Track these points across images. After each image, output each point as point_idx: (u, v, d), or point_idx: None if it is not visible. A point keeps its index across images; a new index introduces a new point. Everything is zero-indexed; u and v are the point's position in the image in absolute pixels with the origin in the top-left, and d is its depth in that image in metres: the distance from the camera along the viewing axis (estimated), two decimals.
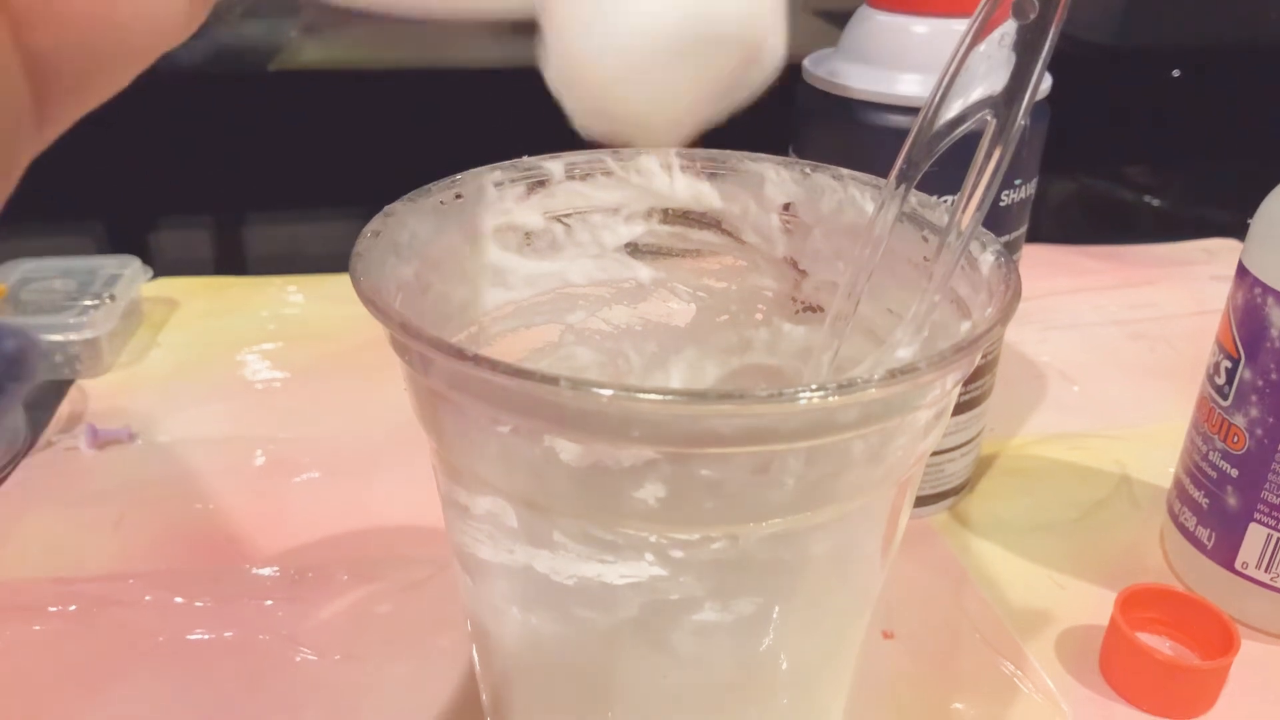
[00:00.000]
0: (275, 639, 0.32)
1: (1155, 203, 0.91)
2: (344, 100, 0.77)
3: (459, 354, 0.17)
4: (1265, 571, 0.32)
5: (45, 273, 0.50)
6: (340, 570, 0.35)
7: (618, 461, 0.18)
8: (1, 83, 0.15)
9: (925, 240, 0.23)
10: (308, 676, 0.31)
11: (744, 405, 0.17)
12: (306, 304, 0.54)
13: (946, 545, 0.37)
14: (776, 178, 0.26)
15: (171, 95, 0.71)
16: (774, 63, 0.16)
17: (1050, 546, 0.37)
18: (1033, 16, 0.19)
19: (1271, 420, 0.31)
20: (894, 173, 0.22)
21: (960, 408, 0.37)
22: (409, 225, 0.23)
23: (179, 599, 0.34)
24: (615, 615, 0.20)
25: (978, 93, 0.20)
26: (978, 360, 0.24)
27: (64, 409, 0.44)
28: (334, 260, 0.50)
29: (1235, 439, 0.32)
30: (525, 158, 0.25)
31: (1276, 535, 0.32)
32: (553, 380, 0.16)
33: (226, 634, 0.32)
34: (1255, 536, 0.32)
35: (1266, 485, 0.31)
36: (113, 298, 0.48)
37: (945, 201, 0.23)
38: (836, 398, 0.16)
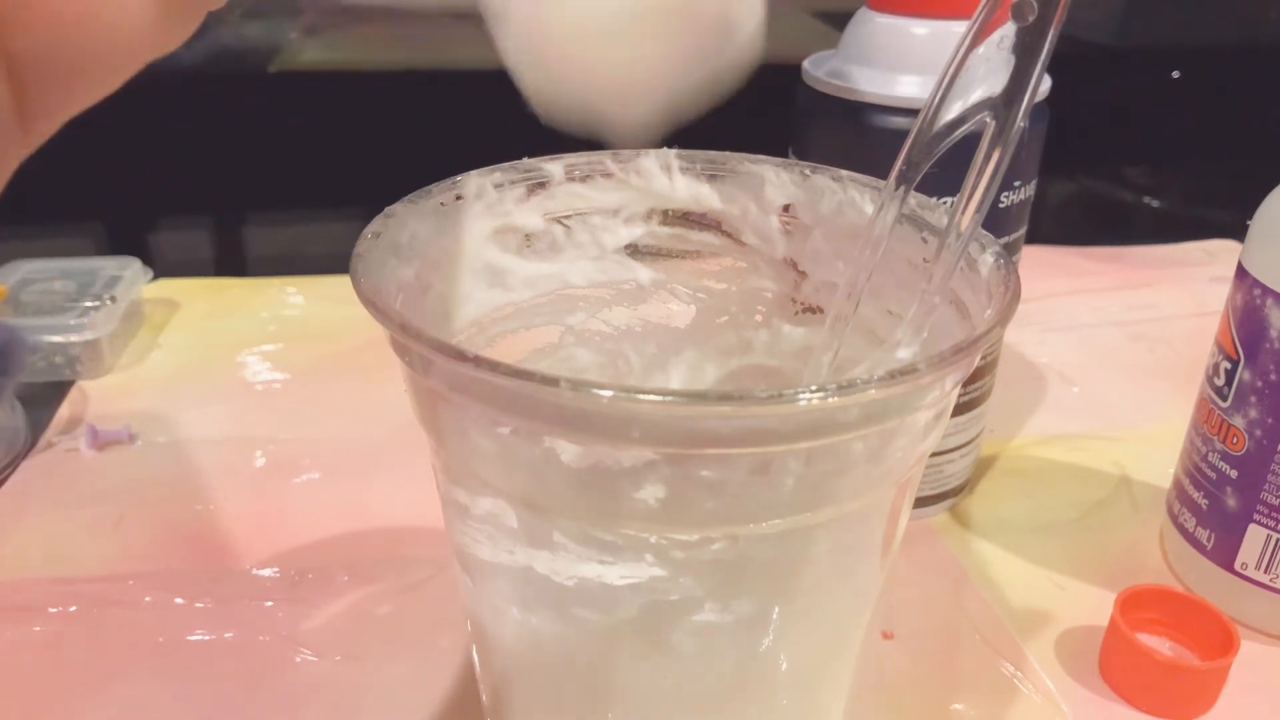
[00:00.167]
0: (275, 639, 0.32)
1: (1155, 203, 0.91)
2: (344, 100, 0.77)
3: (459, 355, 0.17)
4: (1265, 572, 0.32)
5: (46, 274, 0.50)
6: (340, 571, 0.35)
7: (618, 462, 0.18)
8: None
9: (925, 242, 0.23)
10: (308, 677, 0.31)
11: (744, 406, 0.17)
12: (307, 305, 0.54)
13: (946, 546, 0.37)
14: (776, 179, 0.26)
15: (171, 95, 0.71)
16: (749, 39, 0.16)
17: (1050, 547, 0.37)
18: (1032, 19, 0.19)
19: (1271, 421, 0.31)
20: (893, 174, 0.22)
21: (960, 409, 0.37)
22: (409, 226, 0.23)
23: (179, 599, 0.34)
24: (615, 616, 0.20)
25: (977, 94, 0.20)
26: (977, 361, 0.24)
27: (64, 410, 0.44)
28: (334, 261, 0.50)
29: (1235, 440, 0.32)
30: (525, 159, 0.25)
31: (1276, 536, 0.32)
32: (553, 381, 0.16)
33: (226, 635, 0.32)
34: (1255, 537, 0.32)
35: (1266, 486, 0.31)
36: (113, 299, 0.48)
37: (945, 203, 0.23)
38: (836, 398, 0.17)
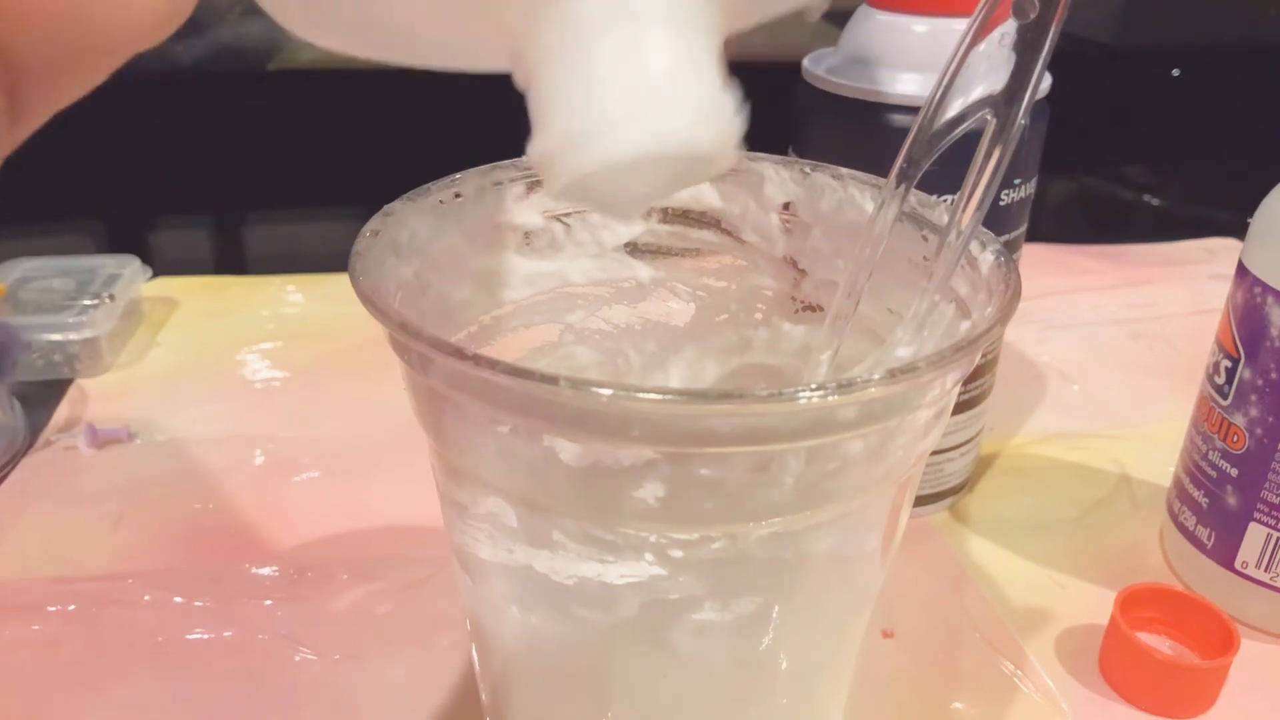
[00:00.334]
0: (275, 639, 0.32)
1: (1155, 202, 0.91)
2: (344, 100, 0.77)
3: (458, 353, 0.17)
4: (1265, 571, 0.32)
5: (44, 272, 0.50)
6: (340, 570, 0.35)
7: (617, 461, 0.18)
8: None
9: (925, 239, 0.23)
10: (308, 676, 0.31)
11: (743, 405, 0.17)
12: (306, 303, 0.54)
13: (946, 544, 0.37)
14: (776, 177, 0.26)
15: (171, 94, 0.71)
16: (731, 163, 0.18)
17: (1050, 546, 0.37)
18: (1033, 16, 0.19)
19: (1271, 420, 0.31)
20: (894, 172, 0.22)
21: (960, 407, 0.37)
22: (408, 225, 0.23)
23: (178, 599, 0.34)
24: (615, 615, 0.20)
25: (978, 92, 0.20)
26: (977, 359, 0.24)
27: (63, 409, 0.44)
28: (333, 260, 0.50)
29: (1235, 438, 0.32)
30: (525, 157, 0.25)
31: (1276, 535, 0.32)
32: (552, 380, 0.16)
33: (226, 634, 0.32)
34: (1255, 536, 0.32)
35: (1266, 485, 0.31)
36: (112, 297, 0.48)
37: (945, 201, 0.23)
38: (836, 397, 0.16)
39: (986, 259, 0.22)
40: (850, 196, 0.25)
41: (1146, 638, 0.32)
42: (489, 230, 0.25)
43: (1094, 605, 0.34)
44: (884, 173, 0.22)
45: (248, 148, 0.76)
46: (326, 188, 0.80)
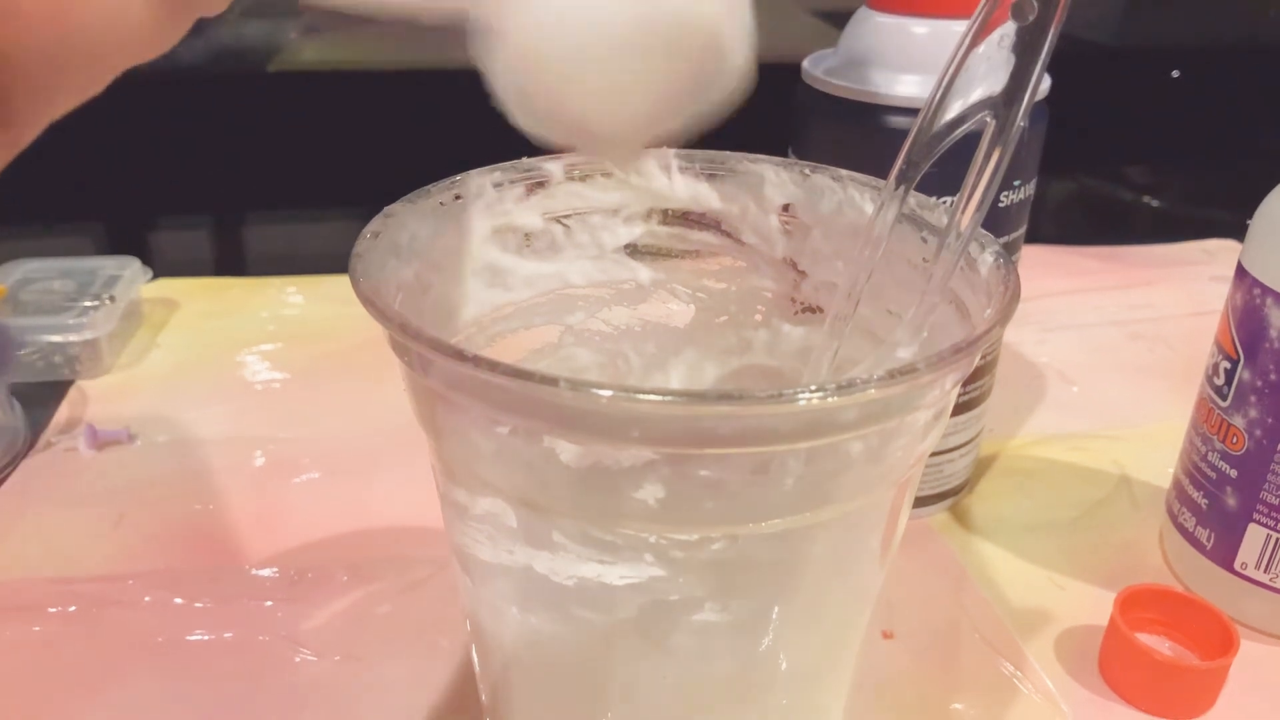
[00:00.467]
0: (275, 639, 0.32)
1: (1154, 203, 0.91)
2: (344, 100, 0.77)
3: (458, 355, 0.17)
4: (1264, 572, 0.32)
5: (45, 273, 0.50)
6: (340, 570, 0.35)
7: (617, 462, 0.18)
8: None
9: (925, 241, 0.23)
10: (307, 676, 0.31)
11: (743, 406, 0.17)
12: (306, 305, 0.54)
13: (946, 545, 0.37)
14: (776, 178, 0.26)
15: (171, 95, 0.71)
16: (738, 69, 0.16)
17: (1050, 547, 0.37)
18: (1032, 18, 0.19)
19: (1270, 421, 0.31)
20: (893, 173, 0.22)
21: (959, 408, 0.37)
22: (409, 226, 0.23)
23: (178, 599, 0.34)
24: (615, 615, 0.20)
25: (977, 94, 0.20)
26: (977, 361, 0.24)
27: (63, 410, 0.44)
28: (333, 261, 0.49)
29: (1234, 439, 0.32)
30: (525, 158, 0.25)
31: (1275, 536, 0.32)
32: (552, 381, 0.16)
33: (226, 634, 0.32)
34: (1254, 537, 0.32)
35: (1265, 486, 0.31)
36: (112, 299, 0.48)
37: (944, 202, 0.23)
38: (836, 398, 0.16)
39: (986, 260, 0.22)
40: (850, 198, 0.25)
41: (1146, 638, 0.32)
42: (489, 232, 0.25)
43: (1093, 606, 0.34)
44: (883, 174, 0.22)
45: (248, 148, 0.76)
46: (326, 188, 0.80)
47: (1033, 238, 0.40)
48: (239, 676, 0.31)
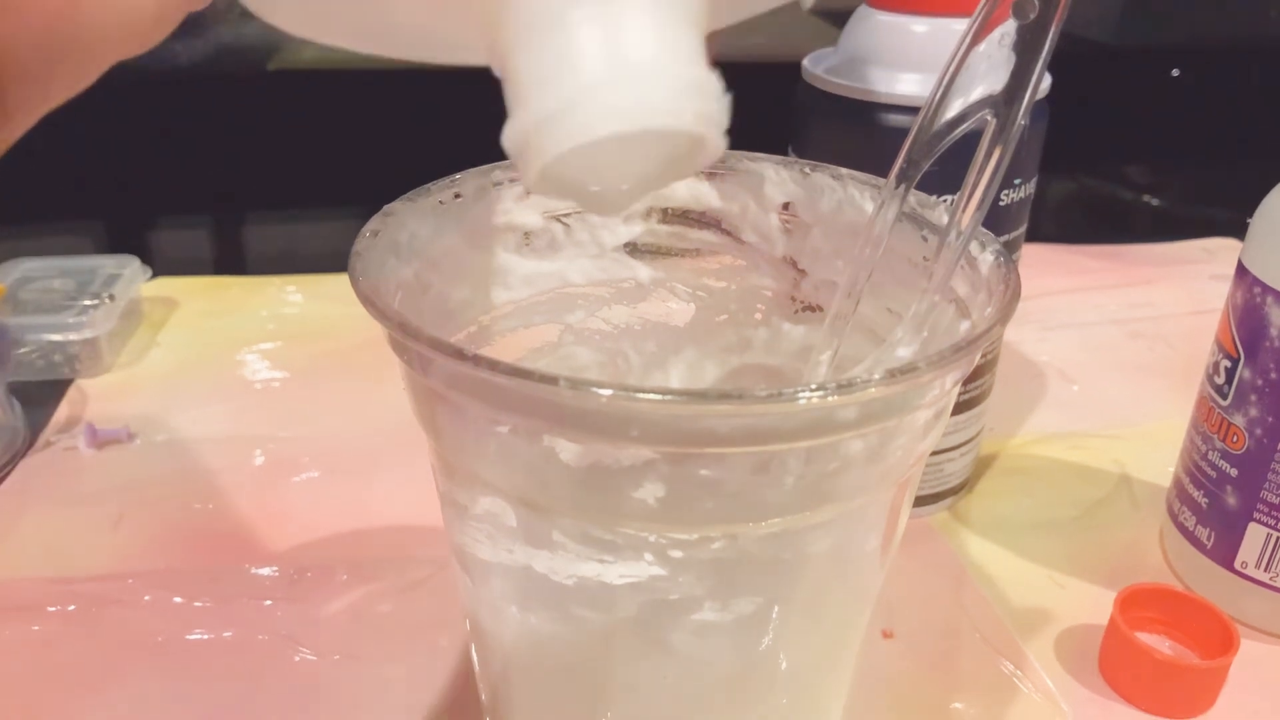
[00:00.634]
0: (275, 639, 0.32)
1: (1154, 202, 0.91)
2: (344, 100, 0.77)
3: (458, 354, 0.17)
4: (1265, 571, 0.32)
5: (44, 272, 0.50)
6: (340, 570, 0.35)
7: (617, 461, 0.18)
8: None
9: (925, 240, 0.23)
10: (308, 676, 0.31)
11: (743, 405, 0.17)
12: (306, 304, 0.54)
13: (946, 544, 0.37)
14: (776, 177, 0.26)
15: (170, 94, 0.71)
16: (718, 151, 0.17)
17: (1050, 546, 0.37)
18: (1033, 16, 0.19)
19: (1271, 420, 0.31)
20: (894, 172, 0.22)
21: (960, 407, 0.37)
22: (408, 225, 0.23)
23: (178, 599, 0.34)
24: (614, 615, 0.20)
25: (978, 92, 0.20)
26: (977, 360, 0.24)
27: (63, 409, 0.44)
28: (333, 260, 0.49)
29: (1235, 439, 0.32)
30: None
31: (1276, 535, 0.32)
32: (552, 380, 0.16)
33: (226, 634, 0.32)
34: (1255, 536, 0.32)
35: (1266, 485, 0.31)
36: (112, 297, 0.48)
37: (945, 201, 0.23)
38: (836, 397, 0.16)
39: (986, 259, 0.22)
40: (850, 197, 0.25)
41: (1146, 638, 0.32)
42: (489, 230, 0.25)
43: (1094, 605, 0.34)
44: (884, 173, 0.22)
45: (248, 148, 0.76)
46: (326, 188, 0.80)
47: (1033, 236, 0.40)
48: (239, 676, 0.31)
